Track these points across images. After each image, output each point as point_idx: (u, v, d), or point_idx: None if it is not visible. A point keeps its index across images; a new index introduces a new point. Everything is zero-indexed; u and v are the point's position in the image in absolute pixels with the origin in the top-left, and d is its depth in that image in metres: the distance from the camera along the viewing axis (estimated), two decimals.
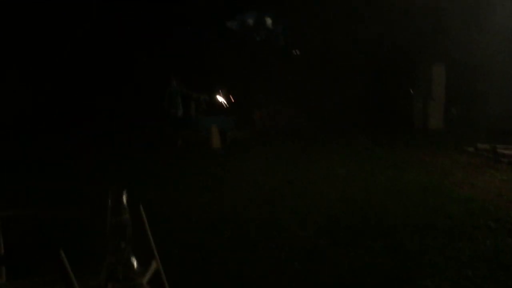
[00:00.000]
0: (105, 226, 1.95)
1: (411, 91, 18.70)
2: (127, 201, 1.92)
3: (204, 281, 4.65)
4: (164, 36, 19.60)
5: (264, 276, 4.74)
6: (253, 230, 6.10)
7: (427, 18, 16.00)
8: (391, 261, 5.07)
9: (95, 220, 2.40)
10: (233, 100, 17.76)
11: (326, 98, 18.32)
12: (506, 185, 8.40)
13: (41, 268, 2.72)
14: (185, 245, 5.58)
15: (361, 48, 18.06)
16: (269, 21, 26.01)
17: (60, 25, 17.27)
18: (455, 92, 17.14)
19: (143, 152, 12.89)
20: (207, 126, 14.10)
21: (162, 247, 4.82)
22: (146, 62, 18.13)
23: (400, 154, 11.76)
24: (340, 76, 18.67)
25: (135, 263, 2.09)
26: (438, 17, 15.45)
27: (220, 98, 17.21)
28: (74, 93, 17.57)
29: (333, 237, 5.81)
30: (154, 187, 8.56)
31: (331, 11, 18.41)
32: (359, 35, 17.80)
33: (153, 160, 11.70)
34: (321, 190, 8.26)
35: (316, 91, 18.83)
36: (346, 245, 5.52)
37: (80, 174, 10.01)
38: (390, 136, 14.89)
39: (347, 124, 17.37)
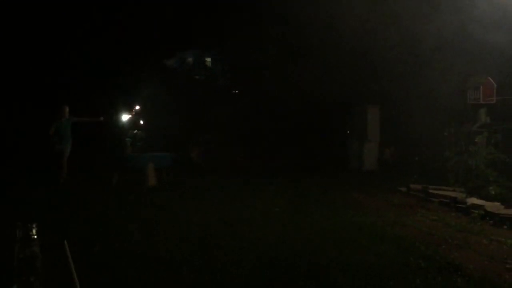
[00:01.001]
0: (13, 259, 1.83)
1: (347, 132, 19.07)
2: (39, 233, 1.82)
3: None
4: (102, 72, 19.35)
5: None
6: (186, 271, 5.95)
7: (363, 60, 16.44)
8: None
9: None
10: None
11: (264, 137, 18.45)
12: (436, 224, 8.60)
13: None
14: (114, 285, 5.39)
15: (297, 90, 18.34)
16: (209, 60, 26.20)
17: None
18: (390, 133, 17.58)
19: (76, 190, 12.50)
20: (143, 163, 13.85)
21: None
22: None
23: (335, 194, 11.89)
24: (278, 116, 18.87)
25: None
26: (374, 59, 15.90)
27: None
28: None
29: (268, 277, 5.75)
30: (84, 225, 8.29)
31: (268, 54, 18.69)
32: (295, 77, 18.10)
33: (86, 198, 11.35)
34: (256, 229, 8.20)
35: (255, 129, 18.95)
36: (281, 285, 5.47)
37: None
38: (325, 176, 15.06)
39: (284, 163, 17.50)
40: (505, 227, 8.40)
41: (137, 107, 17.67)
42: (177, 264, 6.24)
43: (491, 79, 11.91)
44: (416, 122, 15.42)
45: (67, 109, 14.00)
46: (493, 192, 10.34)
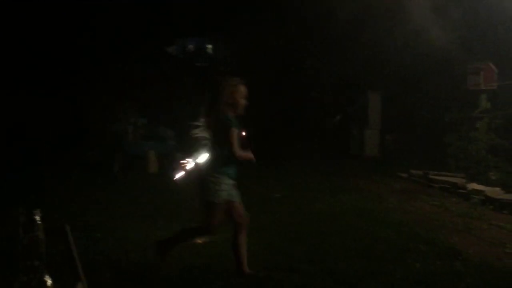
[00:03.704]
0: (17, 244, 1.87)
1: (348, 119, 19.05)
2: (43, 219, 1.86)
3: None
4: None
5: None
6: (187, 254, 6.02)
7: (364, 47, 16.39)
8: (326, 284, 5.12)
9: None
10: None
11: (266, 124, 18.40)
12: (437, 210, 8.65)
13: None
14: (118, 270, 5.43)
15: (301, 77, 18.32)
16: (210, 47, 26.09)
17: None
18: (391, 119, 17.56)
19: (78, 176, 12.52)
20: (145, 150, 13.89)
21: (94, 271, 4.71)
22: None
23: (336, 180, 11.92)
24: (280, 102, 18.83)
25: (49, 282, 1.99)
26: (375, 45, 15.84)
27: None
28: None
29: (268, 261, 5.79)
30: (85, 211, 8.33)
31: (271, 40, 18.60)
32: (298, 65, 18.06)
33: (89, 184, 11.36)
34: (256, 214, 8.23)
35: (256, 116, 18.89)
36: (281, 270, 5.52)
37: None
38: (326, 162, 15.06)
39: (286, 149, 17.46)
40: (505, 212, 8.45)
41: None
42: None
43: (491, 64, 11.90)
44: (417, 108, 15.42)
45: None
46: (493, 178, 10.39)
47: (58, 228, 2.88)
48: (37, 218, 1.86)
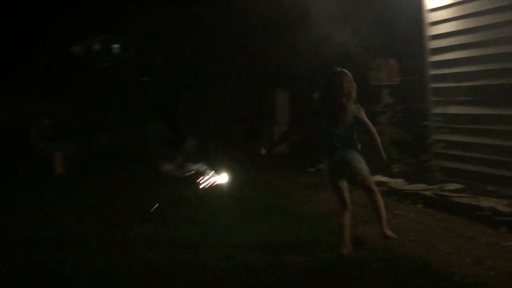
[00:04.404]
0: None
1: (258, 115, 19.15)
2: None
3: None
4: None
5: None
6: (99, 253, 5.98)
7: (272, 47, 16.54)
8: (239, 278, 5.18)
9: None
10: None
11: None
12: None
13: None
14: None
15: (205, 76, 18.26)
16: (116, 46, 25.56)
17: None
18: (299, 116, 17.79)
19: None
20: (50, 151, 13.42)
21: None
22: None
23: (245, 176, 11.88)
24: (187, 100, 18.69)
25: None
26: (283, 46, 16.02)
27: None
28: None
29: (178, 257, 5.82)
30: None
31: (174, 39, 18.46)
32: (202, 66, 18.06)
33: None
34: (168, 214, 8.15)
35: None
36: (191, 265, 5.56)
37: None
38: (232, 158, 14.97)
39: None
40: (408, 202, 8.76)
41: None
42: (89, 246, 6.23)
43: (393, 60, 12.31)
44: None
45: None
46: (396, 170, 10.74)
47: None
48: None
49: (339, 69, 5.99)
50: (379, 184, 9.73)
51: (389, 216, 7.79)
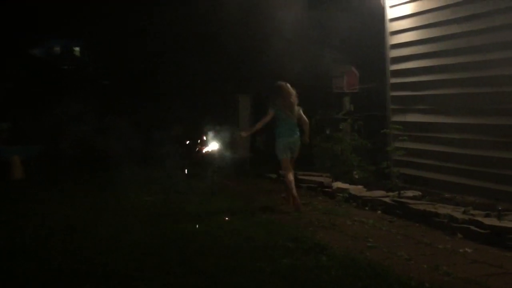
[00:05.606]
0: None
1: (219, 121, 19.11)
2: None
3: None
4: None
5: None
6: (56, 258, 5.89)
7: (233, 49, 16.53)
8: (197, 283, 5.16)
9: None
10: None
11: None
12: (304, 208, 8.88)
13: None
14: None
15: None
16: (77, 49, 25.26)
17: None
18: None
19: None
20: (8, 156, 13.12)
21: None
22: None
23: (205, 182, 11.81)
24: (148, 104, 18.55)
25: None
26: (240, 47, 16.03)
27: None
28: None
29: (140, 260, 5.84)
30: None
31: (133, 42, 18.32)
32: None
33: None
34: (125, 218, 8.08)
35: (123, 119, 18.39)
36: (153, 269, 5.55)
37: None
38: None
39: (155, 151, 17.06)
40: (367, 208, 8.86)
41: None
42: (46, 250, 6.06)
43: (354, 69, 12.49)
44: None
45: None
46: (356, 176, 10.87)
47: None
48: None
49: (283, 82, 9.05)
50: (339, 191, 9.88)
51: (348, 222, 7.93)
